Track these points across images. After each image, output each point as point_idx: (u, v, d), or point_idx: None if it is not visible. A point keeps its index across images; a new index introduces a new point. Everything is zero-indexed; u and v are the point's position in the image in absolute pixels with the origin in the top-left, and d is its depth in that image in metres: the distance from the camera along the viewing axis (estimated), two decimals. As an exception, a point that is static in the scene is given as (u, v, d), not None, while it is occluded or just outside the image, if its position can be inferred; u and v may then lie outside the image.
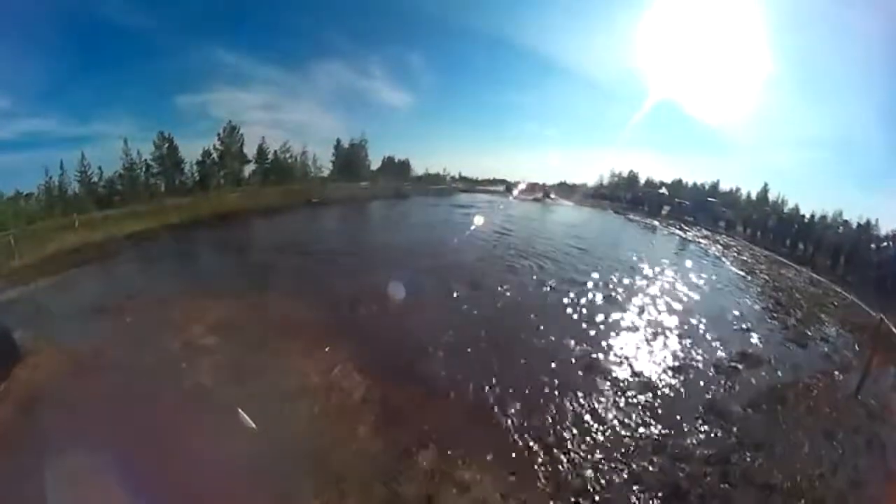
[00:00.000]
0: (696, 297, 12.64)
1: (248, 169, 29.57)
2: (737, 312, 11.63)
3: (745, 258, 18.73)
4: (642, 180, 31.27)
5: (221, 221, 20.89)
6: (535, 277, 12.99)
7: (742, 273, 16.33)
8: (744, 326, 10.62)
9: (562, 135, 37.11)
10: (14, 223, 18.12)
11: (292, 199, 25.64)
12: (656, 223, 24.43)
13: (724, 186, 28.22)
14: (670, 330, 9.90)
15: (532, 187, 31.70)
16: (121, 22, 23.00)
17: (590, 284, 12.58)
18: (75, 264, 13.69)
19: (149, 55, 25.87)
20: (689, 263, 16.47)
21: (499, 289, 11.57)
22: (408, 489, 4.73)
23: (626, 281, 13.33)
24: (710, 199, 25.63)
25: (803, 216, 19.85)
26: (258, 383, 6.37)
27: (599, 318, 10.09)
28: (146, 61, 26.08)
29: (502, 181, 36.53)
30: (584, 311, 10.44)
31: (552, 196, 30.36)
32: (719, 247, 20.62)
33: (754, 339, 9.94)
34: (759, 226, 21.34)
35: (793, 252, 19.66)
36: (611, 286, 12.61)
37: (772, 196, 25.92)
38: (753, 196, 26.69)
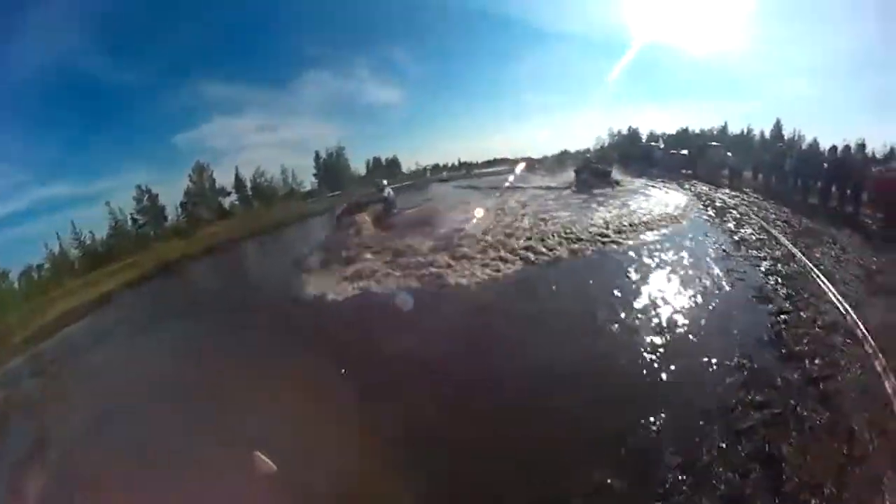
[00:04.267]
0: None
1: (230, 200, 30.63)
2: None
3: (750, 231, 12.84)
4: (644, 135, 25.29)
5: (173, 266, 21.58)
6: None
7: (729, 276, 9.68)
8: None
9: (562, 101, 32.97)
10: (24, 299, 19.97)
11: (258, 226, 25.69)
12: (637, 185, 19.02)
13: (734, 129, 21.93)
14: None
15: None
16: (111, 79, 24.00)
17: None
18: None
19: (142, 104, 26.70)
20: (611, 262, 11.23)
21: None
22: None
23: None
24: (710, 143, 19.35)
25: (835, 148, 13.55)
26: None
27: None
28: (141, 111, 27.10)
29: (503, 160, 33.00)
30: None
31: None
32: (711, 213, 15.25)
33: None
34: (774, 170, 15.32)
35: (824, 202, 13.57)
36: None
37: (786, 133, 18.87)
38: (767, 135, 19.66)
